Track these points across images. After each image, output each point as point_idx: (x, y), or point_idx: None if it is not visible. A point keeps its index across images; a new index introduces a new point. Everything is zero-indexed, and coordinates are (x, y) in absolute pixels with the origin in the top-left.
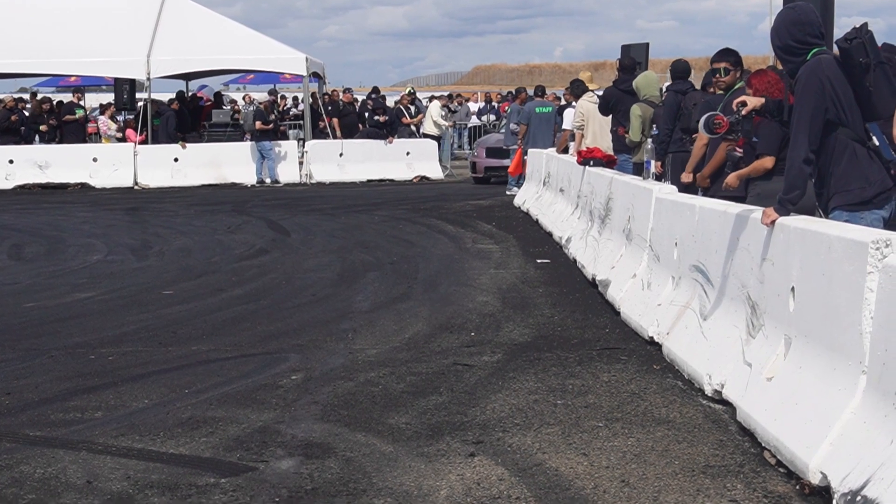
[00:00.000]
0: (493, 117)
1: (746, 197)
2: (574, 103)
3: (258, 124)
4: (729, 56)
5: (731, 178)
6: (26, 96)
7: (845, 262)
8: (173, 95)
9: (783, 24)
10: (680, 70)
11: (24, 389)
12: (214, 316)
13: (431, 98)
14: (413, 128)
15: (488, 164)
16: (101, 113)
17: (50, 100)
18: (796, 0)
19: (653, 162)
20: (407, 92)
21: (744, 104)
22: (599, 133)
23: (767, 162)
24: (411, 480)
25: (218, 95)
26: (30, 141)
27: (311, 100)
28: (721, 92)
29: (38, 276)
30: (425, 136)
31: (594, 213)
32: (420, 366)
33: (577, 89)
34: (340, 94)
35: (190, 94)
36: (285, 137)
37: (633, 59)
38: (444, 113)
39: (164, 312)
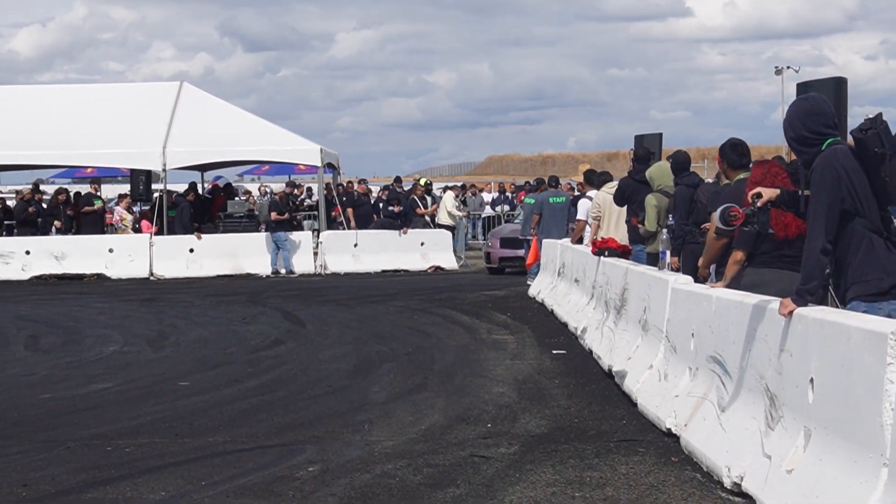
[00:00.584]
0: (507, 207)
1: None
2: (588, 193)
3: (273, 215)
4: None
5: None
6: (43, 188)
7: (864, 353)
8: (188, 186)
9: (797, 115)
10: (682, 162)
11: (41, 481)
12: (230, 407)
13: (445, 188)
14: (427, 218)
15: (503, 255)
16: (117, 203)
17: (66, 191)
18: (809, 91)
19: (668, 252)
20: (422, 183)
21: (759, 195)
22: (615, 225)
23: (738, 255)
24: None
25: (228, 186)
26: (46, 232)
27: (325, 190)
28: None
29: (55, 367)
30: (440, 226)
31: (610, 304)
32: (437, 457)
33: (596, 179)
34: (355, 185)
35: (208, 184)
36: (300, 228)
37: (648, 149)
38: (457, 203)
39: (181, 403)
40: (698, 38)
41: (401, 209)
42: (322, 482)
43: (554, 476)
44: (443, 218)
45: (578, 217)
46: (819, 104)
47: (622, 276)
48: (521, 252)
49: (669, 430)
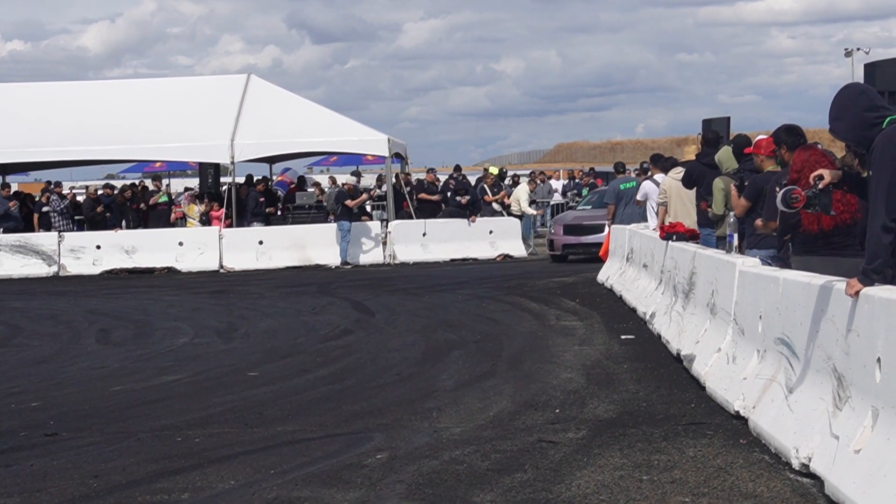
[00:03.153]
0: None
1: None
2: (655, 177)
3: (349, 202)
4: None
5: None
6: (113, 182)
7: None
8: (245, 178)
9: (848, 100)
10: (742, 146)
11: (112, 472)
12: (299, 396)
13: (515, 178)
14: (495, 205)
15: (566, 242)
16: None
17: (133, 186)
18: (875, 71)
19: (735, 235)
20: (493, 172)
21: (821, 177)
22: (682, 210)
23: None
24: None
25: (301, 179)
26: (112, 226)
27: (393, 180)
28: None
29: (126, 359)
30: (511, 215)
31: (678, 288)
32: (505, 443)
33: (665, 164)
34: (424, 175)
35: (276, 177)
36: (369, 218)
37: (717, 132)
38: (530, 198)
39: (250, 394)
40: (767, 22)
41: (468, 199)
42: (390, 469)
43: (622, 460)
44: (515, 208)
45: (637, 198)
46: (864, 85)
47: (690, 260)
48: (585, 239)
49: (738, 412)
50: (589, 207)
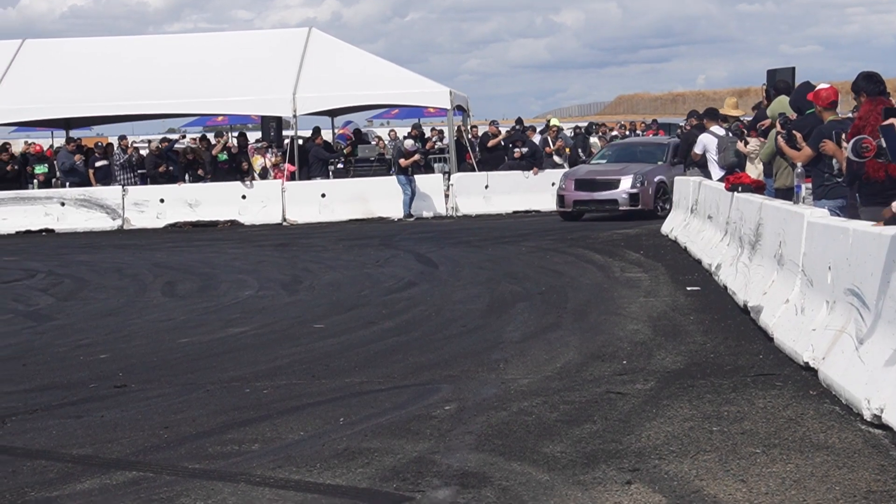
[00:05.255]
0: None
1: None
2: (711, 129)
3: (402, 161)
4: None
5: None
6: (173, 136)
7: None
8: (312, 131)
9: None
10: (806, 91)
11: (182, 423)
12: (366, 348)
13: (583, 130)
14: (556, 158)
15: (578, 198)
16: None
17: (205, 138)
18: None
19: (803, 186)
20: (552, 123)
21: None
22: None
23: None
24: None
25: (358, 132)
26: (176, 181)
27: (456, 133)
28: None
29: (192, 312)
30: None
31: (744, 240)
32: (573, 394)
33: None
34: (487, 128)
35: (338, 130)
36: (431, 171)
37: (787, 82)
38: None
39: (317, 346)
40: None
41: (525, 151)
42: (459, 420)
43: (691, 411)
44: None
45: (695, 150)
46: None
47: (756, 211)
48: (597, 195)
49: (807, 363)
50: (603, 161)
